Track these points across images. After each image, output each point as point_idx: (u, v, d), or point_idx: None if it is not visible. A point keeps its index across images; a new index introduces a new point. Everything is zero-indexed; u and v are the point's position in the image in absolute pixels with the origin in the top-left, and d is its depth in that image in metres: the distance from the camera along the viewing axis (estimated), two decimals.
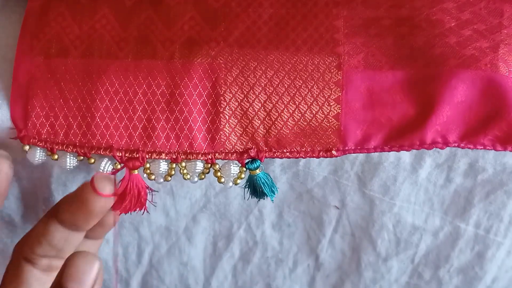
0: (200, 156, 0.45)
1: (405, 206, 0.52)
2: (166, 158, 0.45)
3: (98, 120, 0.45)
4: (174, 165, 0.45)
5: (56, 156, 0.46)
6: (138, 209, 0.46)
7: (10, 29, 0.48)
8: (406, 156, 0.50)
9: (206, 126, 0.45)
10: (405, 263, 0.56)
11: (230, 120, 0.45)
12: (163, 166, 0.45)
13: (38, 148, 0.46)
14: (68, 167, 0.46)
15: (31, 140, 0.45)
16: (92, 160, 0.45)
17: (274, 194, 0.46)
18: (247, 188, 0.46)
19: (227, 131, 0.45)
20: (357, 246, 0.56)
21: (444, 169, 0.50)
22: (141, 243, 0.57)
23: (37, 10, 0.47)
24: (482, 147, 0.45)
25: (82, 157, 0.46)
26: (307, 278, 0.59)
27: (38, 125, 0.45)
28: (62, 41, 0.46)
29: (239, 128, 0.45)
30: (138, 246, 0.58)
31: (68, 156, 0.45)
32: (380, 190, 0.51)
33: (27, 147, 0.46)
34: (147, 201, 0.46)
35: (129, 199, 0.45)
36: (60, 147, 0.45)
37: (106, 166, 0.45)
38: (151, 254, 0.58)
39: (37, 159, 0.46)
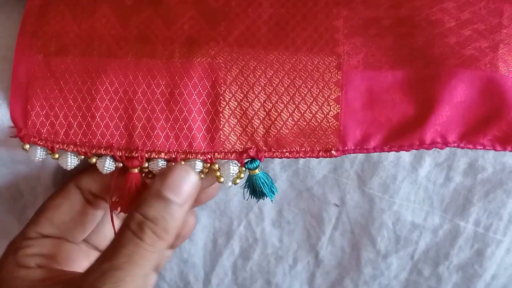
0: (199, 155, 0.45)
1: (404, 204, 0.52)
2: (166, 157, 0.45)
3: (98, 119, 0.45)
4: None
5: (57, 155, 0.45)
6: None
7: (11, 28, 0.48)
8: (405, 155, 0.50)
9: (205, 125, 0.45)
10: (404, 260, 0.56)
11: (230, 120, 0.45)
12: (162, 165, 0.45)
13: (39, 147, 0.45)
14: (69, 166, 0.45)
15: (31, 139, 0.45)
16: (94, 160, 0.45)
17: (274, 194, 0.46)
18: (246, 188, 0.47)
19: (227, 131, 0.45)
20: (357, 243, 0.56)
21: (443, 168, 0.50)
22: None
23: (37, 9, 0.47)
24: (481, 147, 0.45)
25: (83, 156, 0.46)
26: (307, 274, 0.59)
27: (38, 124, 0.45)
28: (61, 40, 0.46)
29: (239, 128, 0.45)
30: None
31: (69, 155, 0.45)
32: (380, 188, 0.52)
33: (27, 146, 0.45)
34: None
35: (129, 198, 0.45)
36: (61, 146, 0.45)
37: (108, 165, 0.45)
38: None
39: (38, 157, 0.45)
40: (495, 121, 0.45)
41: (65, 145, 0.45)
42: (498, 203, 0.51)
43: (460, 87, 0.44)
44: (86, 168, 0.48)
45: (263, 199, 0.46)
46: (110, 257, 0.41)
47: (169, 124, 0.45)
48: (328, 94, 0.45)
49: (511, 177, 0.50)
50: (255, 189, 0.46)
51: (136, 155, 0.45)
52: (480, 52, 0.44)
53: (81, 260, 0.47)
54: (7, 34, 0.47)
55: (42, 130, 0.45)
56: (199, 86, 0.44)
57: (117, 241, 0.42)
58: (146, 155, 0.45)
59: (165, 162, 0.45)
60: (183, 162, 0.45)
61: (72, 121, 0.45)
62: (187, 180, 0.43)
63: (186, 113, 0.44)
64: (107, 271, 0.40)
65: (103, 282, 0.40)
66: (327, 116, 0.45)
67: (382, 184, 0.51)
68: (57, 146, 0.45)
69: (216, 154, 0.45)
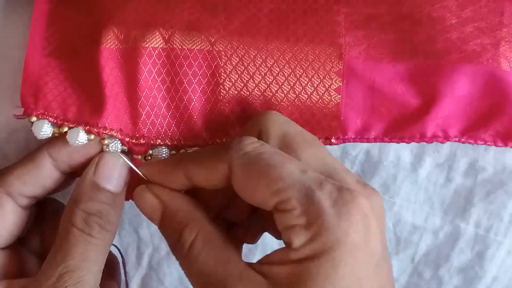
0: (201, 142, 0.45)
1: (405, 205, 0.52)
2: (169, 144, 0.45)
3: (108, 106, 0.43)
4: (174, 153, 0.45)
5: (65, 129, 0.43)
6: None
7: (11, 28, 0.48)
8: (406, 156, 0.50)
9: (205, 114, 0.45)
10: (405, 262, 0.55)
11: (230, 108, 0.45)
12: (166, 153, 0.45)
13: (46, 121, 0.43)
14: (78, 142, 0.43)
15: (40, 114, 0.43)
16: (106, 141, 0.43)
17: None
18: None
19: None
20: None
21: (444, 168, 0.50)
22: (141, 245, 0.57)
23: (45, 12, 0.46)
24: (482, 142, 0.45)
25: (93, 136, 0.43)
26: None
27: (48, 100, 0.43)
28: (71, 41, 0.45)
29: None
30: (137, 248, 0.57)
31: (80, 131, 0.43)
32: (380, 189, 0.51)
33: (34, 119, 0.43)
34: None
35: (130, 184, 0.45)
36: (71, 124, 0.43)
37: (116, 147, 0.44)
38: (151, 256, 0.58)
39: (43, 131, 0.43)
40: (496, 116, 0.45)
41: (76, 123, 0.43)
42: (499, 204, 0.51)
43: (462, 81, 0.44)
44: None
45: None
46: (63, 258, 0.41)
47: (170, 112, 0.45)
48: (329, 83, 0.45)
49: None
50: None
51: (143, 142, 0.44)
52: (482, 48, 0.45)
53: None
54: (7, 34, 0.48)
55: (53, 106, 0.43)
56: (199, 75, 0.44)
57: (66, 241, 0.41)
58: (151, 142, 0.45)
59: (167, 150, 0.45)
60: (107, 148, 0.44)
61: (84, 105, 0.43)
62: (117, 167, 0.43)
63: (186, 102, 0.44)
64: (64, 273, 0.40)
65: (64, 285, 0.40)
66: (328, 105, 0.45)
67: (383, 185, 0.51)
68: (67, 123, 0.43)
69: (217, 141, 0.45)
